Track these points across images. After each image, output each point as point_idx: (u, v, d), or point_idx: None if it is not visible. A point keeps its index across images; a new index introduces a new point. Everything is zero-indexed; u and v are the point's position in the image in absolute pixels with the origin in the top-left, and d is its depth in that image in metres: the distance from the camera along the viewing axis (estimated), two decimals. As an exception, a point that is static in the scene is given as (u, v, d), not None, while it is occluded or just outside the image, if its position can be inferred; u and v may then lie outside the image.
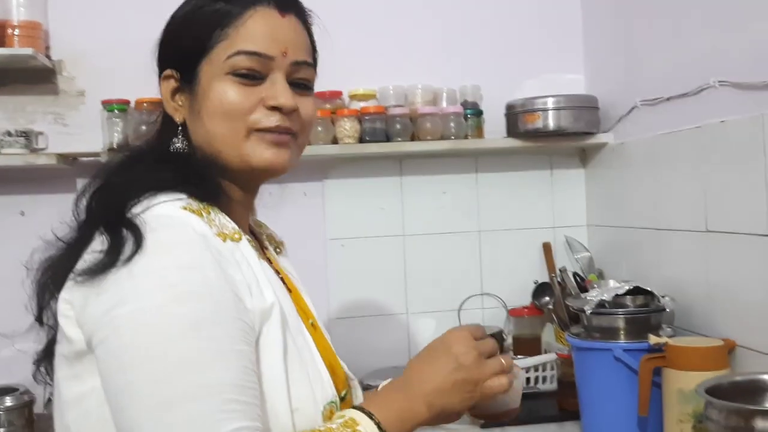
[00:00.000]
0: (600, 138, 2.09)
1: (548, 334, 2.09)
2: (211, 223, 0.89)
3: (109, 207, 0.90)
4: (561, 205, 2.24)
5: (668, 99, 1.78)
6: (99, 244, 0.85)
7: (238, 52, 0.94)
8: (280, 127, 0.96)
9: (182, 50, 0.98)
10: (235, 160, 0.96)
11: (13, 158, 1.89)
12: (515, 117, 2.07)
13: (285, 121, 0.96)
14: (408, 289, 2.17)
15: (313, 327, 1.04)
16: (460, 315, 2.07)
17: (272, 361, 0.88)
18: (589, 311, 1.60)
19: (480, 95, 2.16)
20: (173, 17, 1.01)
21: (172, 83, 0.99)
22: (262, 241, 1.12)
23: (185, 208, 0.88)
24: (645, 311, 1.60)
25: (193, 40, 0.97)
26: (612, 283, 1.70)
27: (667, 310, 1.61)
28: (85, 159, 1.94)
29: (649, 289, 1.63)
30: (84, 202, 0.93)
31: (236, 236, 0.92)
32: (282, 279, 1.04)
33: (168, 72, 1.00)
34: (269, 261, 1.03)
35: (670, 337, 1.55)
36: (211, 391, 0.78)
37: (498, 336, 1.41)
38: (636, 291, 1.64)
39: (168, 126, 1.01)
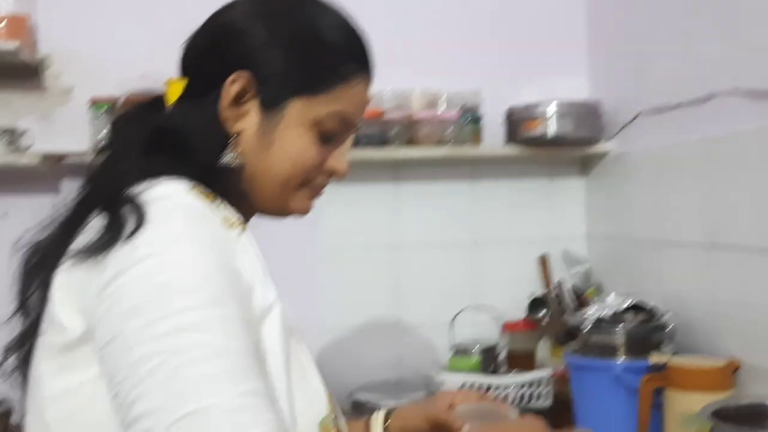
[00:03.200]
0: (602, 147, 2.02)
1: (543, 349, 2.02)
2: (216, 209, 0.86)
3: (107, 186, 0.86)
4: (559, 216, 2.16)
5: (675, 106, 1.71)
6: (98, 221, 0.81)
7: (339, 114, 0.94)
8: (326, 186, 1.00)
9: (282, 70, 0.92)
10: (274, 200, 0.96)
11: (-5, 158, 1.82)
12: (515, 123, 2.00)
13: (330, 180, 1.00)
14: (400, 301, 2.09)
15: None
16: (453, 328, 1.99)
17: (273, 367, 0.82)
18: (586, 329, 1.53)
19: (479, 100, 2.09)
20: (294, 21, 0.94)
21: (240, 87, 0.91)
22: None
23: (191, 189, 0.85)
24: (646, 328, 1.53)
25: (304, 71, 0.92)
26: (611, 298, 1.63)
27: (669, 327, 1.54)
28: (71, 160, 1.86)
29: (650, 305, 1.55)
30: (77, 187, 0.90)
31: (240, 227, 0.88)
32: None
33: (244, 75, 0.91)
34: None
35: (672, 355, 1.47)
36: (220, 351, 0.72)
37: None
38: (636, 307, 1.56)
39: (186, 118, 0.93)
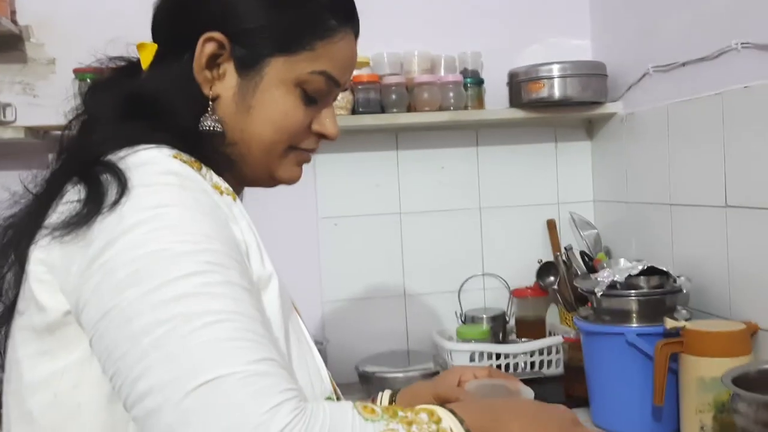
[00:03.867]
0: (608, 108, 1.96)
1: (553, 315, 1.99)
2: (204, 176, 0.80)
3: (83, 155, 0.80)
4: (566, 180, 2.11)
5: (683, 64, 1.66)
6: (75, 194, 0.75)
7: (323, 73, 0.88)
8: (314, 150, 0.95)
9: (258, 27, 0.86)
10: (260, 167, 0.91)
11: (-23, 132, 1.76)
12: (518, 86, 1.94)
13: (319, 143, 0.95)
14: (405, 270, 2.05)
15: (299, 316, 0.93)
16: (460, 296, 1.96)
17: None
18: (600, 293, 1.49)
19: (480, 63, 2.03)
20: None
21: (213, 49, 0.85)
22: None
23: (176, 157, 0.79)
24: (660, 292, 1.49)
25: (282, 27, 0.86)
26: (623, 262, 1.58)
27: (684, 291, 1.50)
28: (56, 132, 1.80)
29: (664, 268, 1.51)
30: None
31: (231, 195, 0.83)
32: None
33: (216, 35, 0.85)
34: None
35: (686, 320, 1.44)
36: (229, 317, 0.67)
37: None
38: (649, 271, 1.52)
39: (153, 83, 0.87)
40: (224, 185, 0.83)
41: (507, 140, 2.09)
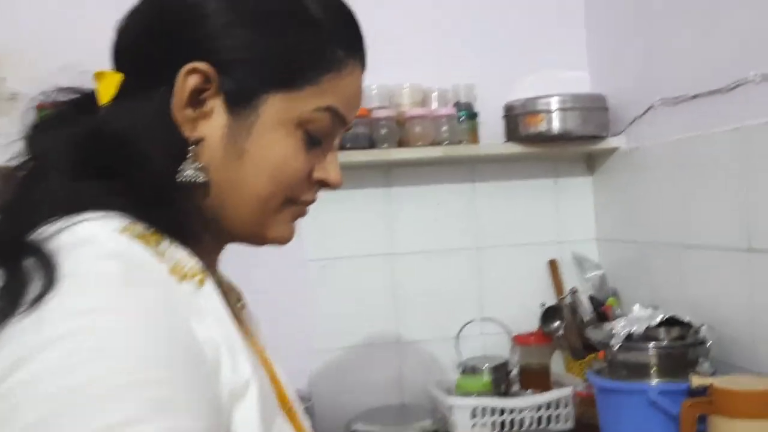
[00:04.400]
0: (610, 142, 1.87)
1: (557, 363, 1.86)
2: (162, 256, 0.64)
3: (7, 227, 0.64)
4: (567, 218, 2.00)
5: (694, 97, 1.56)
6: None
7: (329, 109, 0.74)
8: (313, 202, 0.80)
9: (254, 57, 0.71)
10: (249, 224, 0.75)
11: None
12: (515, 119, 1.84)
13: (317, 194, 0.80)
14: (398, 316, 1.92)
15: (290, 413, 0.78)
16: (458, 343, 1.83)
17: None
18: (617, 346, 1.37)
19: (474, 95, 1.93)
20: None
21: (198, 82, 0.70)
22: (223, 290, 0.85)
23: (124, 231, 0.62)
24: (682, 345, 1.38)
25: (283, 58, 0.71)
26: (637, 309, 1.47)
27: (708, 343, 1.39)
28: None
29: (686, 319, 1.40)
30: None
31: (198, 277, 0.65)
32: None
33: (202, 66, 0.70)
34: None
35: (711, 374, 1.33)
36: None
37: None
38: (668, 320, 1.41)
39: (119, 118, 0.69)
40: (189, 265, 0.66)
41: (504, 176, 1.98)
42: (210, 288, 0.66)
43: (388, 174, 1.95)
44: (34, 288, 0.55)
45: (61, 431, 0.50)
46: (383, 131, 1.81)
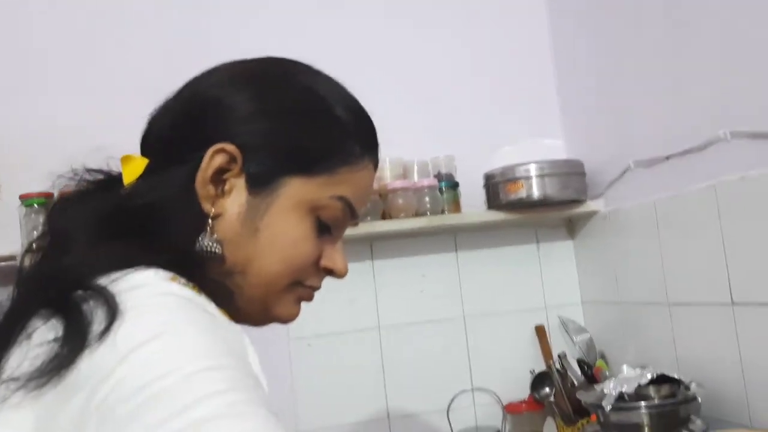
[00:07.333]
0: (589, 206, 1.90)
1: (549, 429, 1.84)
2: (208, 303, 0.67)
3: (53, 284, 0.66)
4: (551, 282, 2.02)
5: (667, 158, 1.60)
6: (49, 331, 0.61)
7: (342, 199, 0.79)
8: (318, 288, 0.84)
9: (280, 144, 0.77)
10: (256, 301, 0.78)
11: None
12: (495, 187, 1.87)
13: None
14: (387, 390, 1.90)
15: None
16: (449, 416, 1.80)
17: None
18: (608, 407, 1.36)
19: (454, 166, 1.96)
20: (291, 87, 0.80)
21: (223, 162, 0.75)
22: None
23: (174, 278, 0.66)
24: (673, 402, 1.37)
25: (306, 147, 0.77)
26: (626, 370, 1.47)
27: (699, 399, 1.38)
28: (3, 265, 1.65)
29: (675, 376, 1.40)
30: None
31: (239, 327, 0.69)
32: None
33: (228, 147, 0.75)
34: None
35: None
36: None
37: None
38: (658, 379, 1.41)
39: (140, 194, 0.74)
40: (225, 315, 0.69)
41: (487, 243, 2.00)
42: (249, 340, 0.68)
43: (372, 246, 1.96)
44: (98, 324, 0.59)
45: (158, 409, 0.53)
46: (366, 205, 1.83)
